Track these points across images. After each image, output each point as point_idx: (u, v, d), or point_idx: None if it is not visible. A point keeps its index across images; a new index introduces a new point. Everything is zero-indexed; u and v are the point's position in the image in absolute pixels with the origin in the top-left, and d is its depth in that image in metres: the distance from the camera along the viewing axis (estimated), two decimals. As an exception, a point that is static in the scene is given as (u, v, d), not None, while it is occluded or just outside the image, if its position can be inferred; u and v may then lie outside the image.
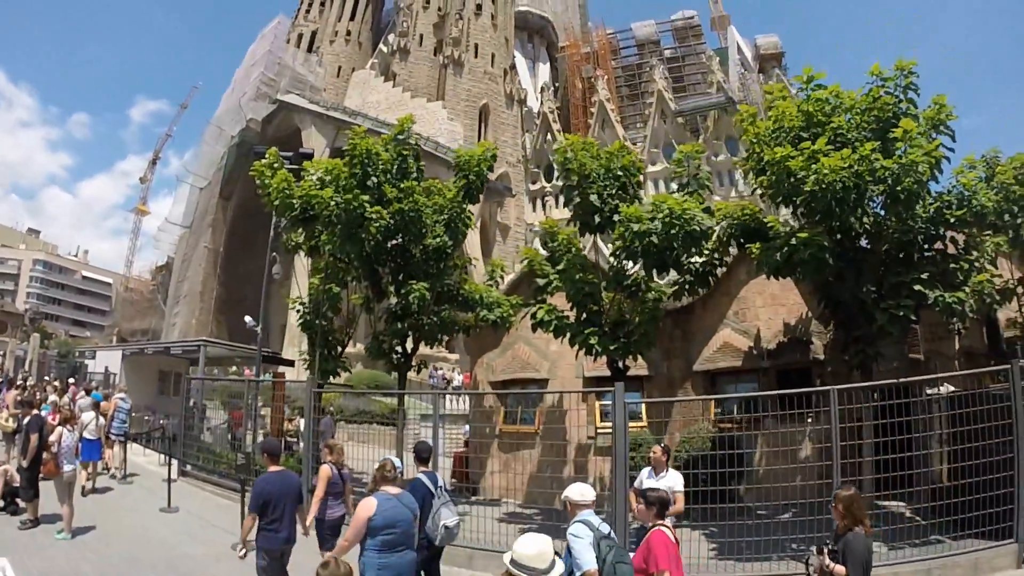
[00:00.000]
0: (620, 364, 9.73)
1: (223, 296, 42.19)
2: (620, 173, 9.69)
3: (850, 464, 7.47)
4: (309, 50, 52.06)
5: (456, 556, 7.67)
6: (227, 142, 41.46)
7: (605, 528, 4.27)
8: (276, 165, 11.73)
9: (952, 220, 8.67)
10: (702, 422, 10.99)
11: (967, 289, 8.46)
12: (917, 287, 8.24)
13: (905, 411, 7.55)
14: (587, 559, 4.05)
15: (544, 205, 22.06)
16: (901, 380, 8.40)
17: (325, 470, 6.46)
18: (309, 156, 13.73)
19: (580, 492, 4.44)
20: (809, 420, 9.51)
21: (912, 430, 7.73)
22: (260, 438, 11.36)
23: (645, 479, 6.66)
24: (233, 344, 24.51)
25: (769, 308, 11.55)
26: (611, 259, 9.81)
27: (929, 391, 9.50)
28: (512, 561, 3.06)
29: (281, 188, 11.13)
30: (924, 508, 7.77)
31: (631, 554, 4.27)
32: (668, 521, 4.23)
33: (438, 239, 11.38)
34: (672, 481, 6.50)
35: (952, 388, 9.76)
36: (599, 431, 11.76)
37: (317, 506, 6.32)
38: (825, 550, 4.24)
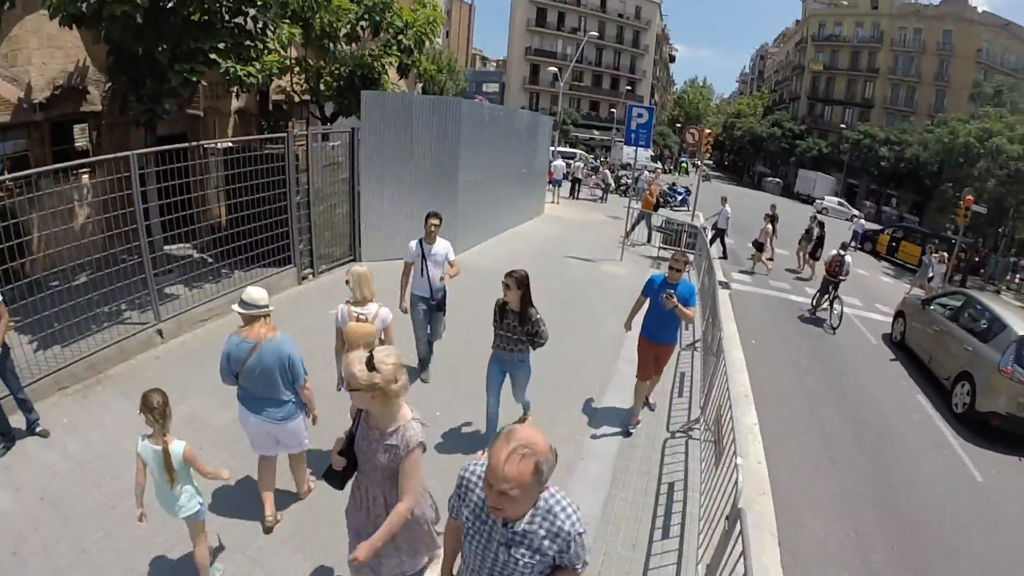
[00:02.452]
0: None
1: None
2: None
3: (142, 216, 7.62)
4: None
5: None
6: None
7: None
8: None
9: (259, 2, 9.28)
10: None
11: (257, 65, 9.32)
12: (213, 56, 8.52)
13: (186, 164, 8.24)
14: None
15: None
16: (193, 144, 8.87)
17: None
18: None
19: None
20: (85, 177, 8.96)
21: (192, 184, 8.66)
22: None
23: None
24: None
25: (45, 51, 9.40)
26: None
27: (207, 145, 10.62)
28: (245, 303, 3.92)
29: None
30: (213, 253, 9.13)
31: None
32: None
33: None
34: None
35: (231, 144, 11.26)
36: None
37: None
38: None
